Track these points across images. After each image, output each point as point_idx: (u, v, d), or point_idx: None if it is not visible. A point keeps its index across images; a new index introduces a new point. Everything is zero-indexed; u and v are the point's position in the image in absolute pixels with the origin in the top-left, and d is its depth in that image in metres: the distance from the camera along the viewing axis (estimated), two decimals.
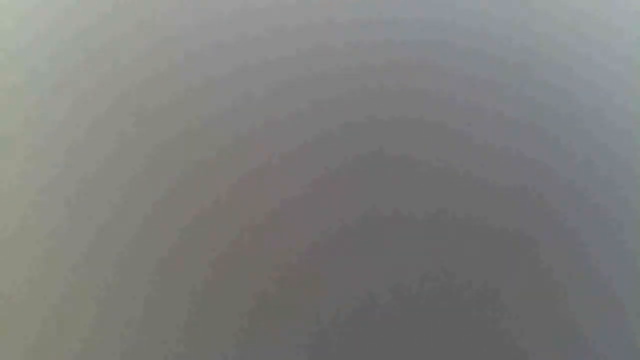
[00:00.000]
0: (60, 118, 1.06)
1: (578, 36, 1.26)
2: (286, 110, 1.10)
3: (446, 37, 1.24)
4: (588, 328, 0.87)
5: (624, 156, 1.07)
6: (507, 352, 0.85)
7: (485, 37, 1.24)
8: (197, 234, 0.94)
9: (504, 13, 1.29)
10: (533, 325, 0.88)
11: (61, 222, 0.94)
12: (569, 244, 0.96)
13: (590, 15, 1.30)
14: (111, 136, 1.05)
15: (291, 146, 1.05)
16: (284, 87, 1.13)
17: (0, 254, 0.90)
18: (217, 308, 0.87)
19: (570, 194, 1.02)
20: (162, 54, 1.17)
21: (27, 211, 0.94)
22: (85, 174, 1.00)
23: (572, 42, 1.25)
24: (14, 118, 1.06)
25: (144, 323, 0.85)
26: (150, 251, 0.92)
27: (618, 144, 1.08)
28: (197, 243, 0.93)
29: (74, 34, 1.19)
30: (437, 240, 0.95)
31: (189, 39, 1.20)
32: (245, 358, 0.83)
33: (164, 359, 0.82)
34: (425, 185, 1.01)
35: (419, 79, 1.16)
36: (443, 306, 0.89)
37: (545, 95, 1.15)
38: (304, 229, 0.95)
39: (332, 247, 0.93)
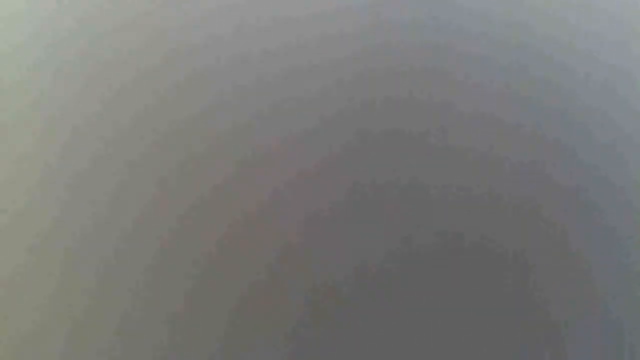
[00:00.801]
0: (55, 113, 1.06)
1: (581, 30, 1.25)
2: (276, 102, 1.10)
3: (456, 19, 1.23)
4: (613, 302, 0.86)
5: None
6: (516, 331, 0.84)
7: (500, 19, 1.23)
8: (191, 226, 0.94)
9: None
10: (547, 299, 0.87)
11: (56, 216, 0.94)
12: (585, 219, 0.95)
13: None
14: (103, 132, 1.05)
15: (280, 139, 1.05)
16: (277, 77, 1.13)
17: None
18: (207, 302, 0.87)
19: (580, 168, 1.01)
20: (156, 47, 1.17)
21: (21, 205, 0.95)
22: (79, 168, 1.00)
23: (573, 36, 1.24)
24: (7, 115, 1.06)
25: (133, 315, 0.85)
26: (141, 247, 0.92)
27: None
28: (190, 235, 0.93)
29: (67, 30, 1.19)
30: (439, 227, 0.94)
31: (182, 32, 1.20)
32: (238, 350, 0.82)
33: (156, 349, 0.82)
34: (427, 169, 1.01)
35: (421, 61, 1.16)
36: (445, 301, 0.88)
37: (560, 74, 1.14)
38: (299, 219, 0.94)
39: (327, 237, 0.93)
